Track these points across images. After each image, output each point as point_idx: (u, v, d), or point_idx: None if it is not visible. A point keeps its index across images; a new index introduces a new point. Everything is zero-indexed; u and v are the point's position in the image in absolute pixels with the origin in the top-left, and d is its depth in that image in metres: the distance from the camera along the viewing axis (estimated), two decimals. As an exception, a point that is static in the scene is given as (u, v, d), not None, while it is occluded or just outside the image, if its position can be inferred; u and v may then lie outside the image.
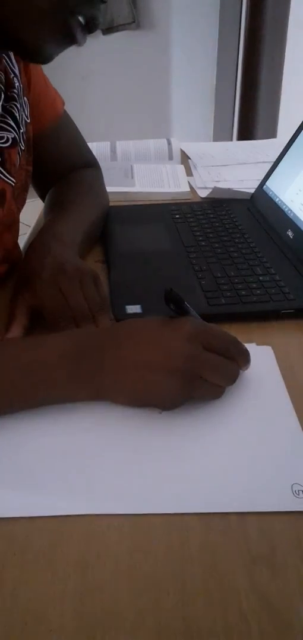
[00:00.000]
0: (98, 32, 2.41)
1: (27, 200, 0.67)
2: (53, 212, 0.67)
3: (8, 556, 0.33)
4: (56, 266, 0.53)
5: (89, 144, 0.81)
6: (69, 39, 0.50)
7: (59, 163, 0.74)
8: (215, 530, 0.34)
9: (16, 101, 0.59)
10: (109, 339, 0.45)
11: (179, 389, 0.42)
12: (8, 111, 0.58)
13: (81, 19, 0.49)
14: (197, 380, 0.42)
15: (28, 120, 0.64)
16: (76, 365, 0.42)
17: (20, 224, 0.66)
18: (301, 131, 0.79)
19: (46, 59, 0.52)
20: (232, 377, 0.44)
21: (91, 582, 0.32)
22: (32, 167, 0.67)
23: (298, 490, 0.36)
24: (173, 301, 0.44)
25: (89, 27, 0.51)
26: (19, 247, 0.67)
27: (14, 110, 0.58)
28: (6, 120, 0.57)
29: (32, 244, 0.59)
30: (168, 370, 0.41)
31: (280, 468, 0.38)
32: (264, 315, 0.56)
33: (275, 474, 0.38)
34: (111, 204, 0.79)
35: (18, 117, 0.59)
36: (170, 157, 1.07)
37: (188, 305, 0.46)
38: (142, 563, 0.33)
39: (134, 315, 0.55)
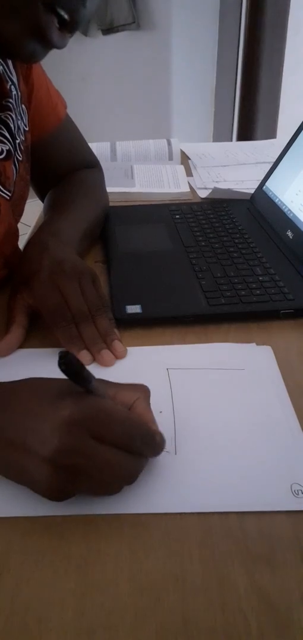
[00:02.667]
0: (98, 33, 2.41)
1: (28, 201, 0.67)
2: (52, 211, 0.67)
3: (8, 556, 0.33)
4: (54, 265, 0.52)
5: (89, 144, 0.81)
6: (44, 38, 0.47)
7: (60, 166, 0.74)
8: (215, 530, 0.35)
9: (11, 111, 0.58)
10: None
11: (56, 485, 0.34)
12: (2, 122, 0.57)
13: (62, 13, 0.45)
14: (81, 475, 0.34)
15: (26, 129, 0.63)
16: None
17: (20, 224, 0.66)
18: (301, 132, 0.79)
19: (27, 58, 0.50)
20: (129, 476, 0.36)
21: (91, 582, 0.32)
22: (30, 174, 0.66)
23: (298, 490, 0.37)
24: (67, 369, 0.34)
25: (69, 26, 0.47)
26: (19, 251, 0.67)
27: (8, 121, 0.57)
28: (1, 131, 0.57)
29: (30, 242, 0.58)
30: (41, 460, 0.33)
31: (280, 468, 0.38)
32: (264, 315, 0.56)
33: (275, 473, 0.38)
34: (111, 204, 0.79)
35: (13, 128, 0.58)
36: (170, 158, 1.07)
37: (90, 373, 0.35)
38: (142, 562, 0.33)
39: (135, 315, 0.55)
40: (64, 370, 0.34)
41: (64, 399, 0.35)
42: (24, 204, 0.66)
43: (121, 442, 0.35)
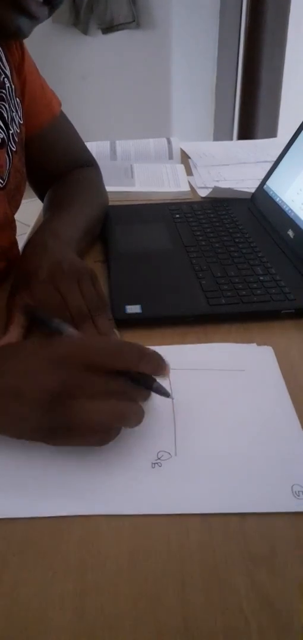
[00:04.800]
0: (98, 32, 2.41)
1: (27, 200, 0.67)
2: (51, 210, 0.67)
3: (8, 556, 0.33)
4: (53, 265, 0.52)
5: (89, 144, 0.81)
6: (22, 9, 0.48)
7: (56, 163, 0.74)
8: (215, 530, 0.34)
9: (4, 101, 0.59)
10: None
11: (36, 420, 0.35)
12: None
13: None
14: (76, 407, 0.34)
15: (21, 122, 0.64)
16: None
17: (20, 224, 0.66)
18: (301, 131, 0.79)
19: (13, 34, 0.51)
20: (123, 414, 0.35)
21: (91, 582, 0.32)
22: (25, 168, 0.67)
23: (298, 491, 0.36)
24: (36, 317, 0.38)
25: (52, 1, 0.50)
26: (17, 245, 0.67)
27: (2, 110, 0.58)
28: None
29: (29, 242, 0.58)
30: (29, 398, 0.34)
31: (280, 468, 0.38)
32: (264, 315, 0.56)
33: (275, 474, 0.38)
34: (111, 203, 0.79)
35: (6, 118, 0.59)
36: (170, 157, 1.07)
37: (57, 321, 0.39)
38: (142, 563, 0.33)
39: (134, 315, 0.55)
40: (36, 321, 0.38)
41: (47, 343, 0.37)
42: (21, 196, 0.66)
43: (111, 363, 0.35)
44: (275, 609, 0.30)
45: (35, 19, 0.51)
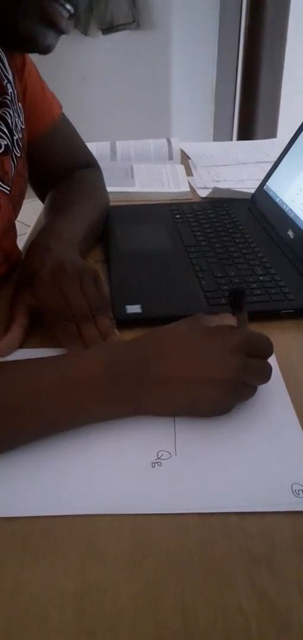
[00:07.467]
0: (98, 32, 2.41)
1: (27, 200, 0.68)
2: (53, 212, 0.67)
3: (8, 556, 0.33)
4: (56, 265, 0.52)
5: (89, 144, 0.81)
6: (55, 27, 0.50)
7: (58, 165, 0.74)
8: (215, 530, 0.34)
9: (9, 107, 0.58)
10: (149, 351, 0.43)
11: (228, 400, 0.42)
12: (0, 117, 0.57)
13: (69, 7, 0.50)
14: (241, 387, 0.43)
15: (23, 126, 0.64)
16: (115, 384, 0.41)
17: (21, 224, 0.66)
18: (301, 131, 0.79)
19: (45, 49, 0.52)
20: (269, 376, 0.44)
21: (91, 582, 0.32)
22: (28, 172, 0.67)
23: (298, 490, 0.36)
24: (236, 298, 0.45)
25: (74, 15, 0.51)
26: (17, 247, 0.67)
27: (6, 117, 0.58)
28: None
29: (32, 243, 0.59)
30: (217, 384, 0.41)
31: (280, 467, 0.38)
32: (264, 315, 0.56)
33: (275, 473, 0.38)
34: (111, 203, 0.79)
35: (10, 124, 0.58)
36: (170, 157, 1.07)
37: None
38: (142, 563, 0.33)
39: (135, 315, 0.55)
40: (231, 302, 0.45)
41: (219, 333, 0.43)
42: (23, 200, 0.66)
43: (261, 353, 0.44)
44: (275, 608, 0.30)
45: (62, 34, 0.52)
